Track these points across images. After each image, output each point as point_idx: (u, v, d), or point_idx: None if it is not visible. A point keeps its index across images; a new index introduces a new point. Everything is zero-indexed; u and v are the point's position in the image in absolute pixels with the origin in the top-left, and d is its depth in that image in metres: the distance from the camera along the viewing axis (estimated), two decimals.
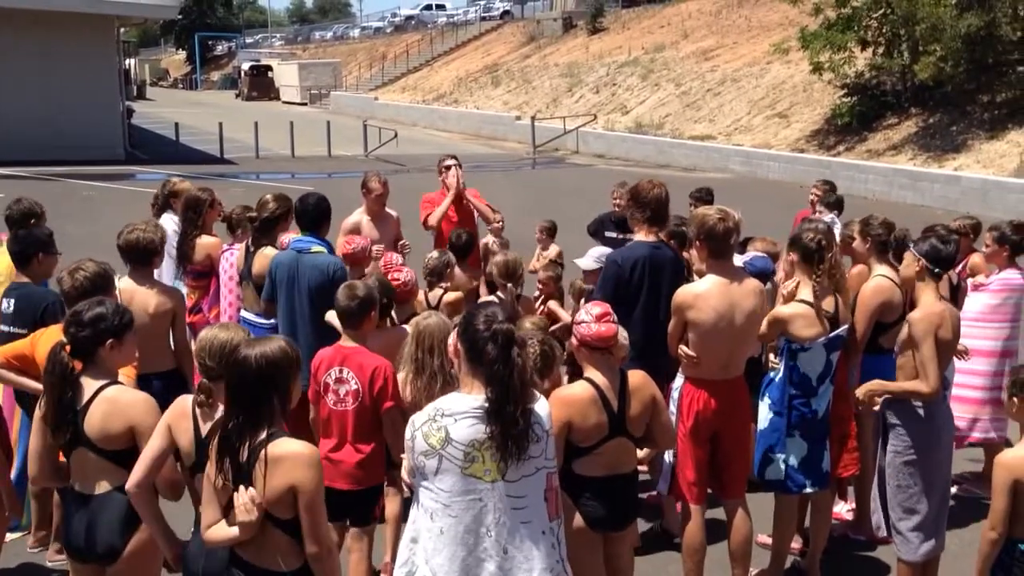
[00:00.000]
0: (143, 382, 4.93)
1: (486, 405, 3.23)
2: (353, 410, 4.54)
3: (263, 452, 3.11)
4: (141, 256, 5.25)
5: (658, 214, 5.33)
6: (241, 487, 3.12)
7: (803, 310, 4.92)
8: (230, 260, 6.63)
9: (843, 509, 5.94)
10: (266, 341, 3.28)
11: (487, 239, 8.55)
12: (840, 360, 5.08)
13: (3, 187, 20.21)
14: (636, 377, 4.16)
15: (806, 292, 4.97)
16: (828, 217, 8.08)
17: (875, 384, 4.79)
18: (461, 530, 3.24)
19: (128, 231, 5.27)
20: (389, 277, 5.95)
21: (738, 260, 5.70)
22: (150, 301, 5.18)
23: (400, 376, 4.66)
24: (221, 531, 3.24)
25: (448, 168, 8.21)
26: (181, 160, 25.63)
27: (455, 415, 3.25)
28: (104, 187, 21.11)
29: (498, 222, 8.71)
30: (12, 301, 5.23)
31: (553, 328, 5.82)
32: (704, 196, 8.09)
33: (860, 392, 4.84)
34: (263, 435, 3.14)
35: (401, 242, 7.40)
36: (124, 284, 5.24)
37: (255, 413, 3.16)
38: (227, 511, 3.23)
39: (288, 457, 3.13)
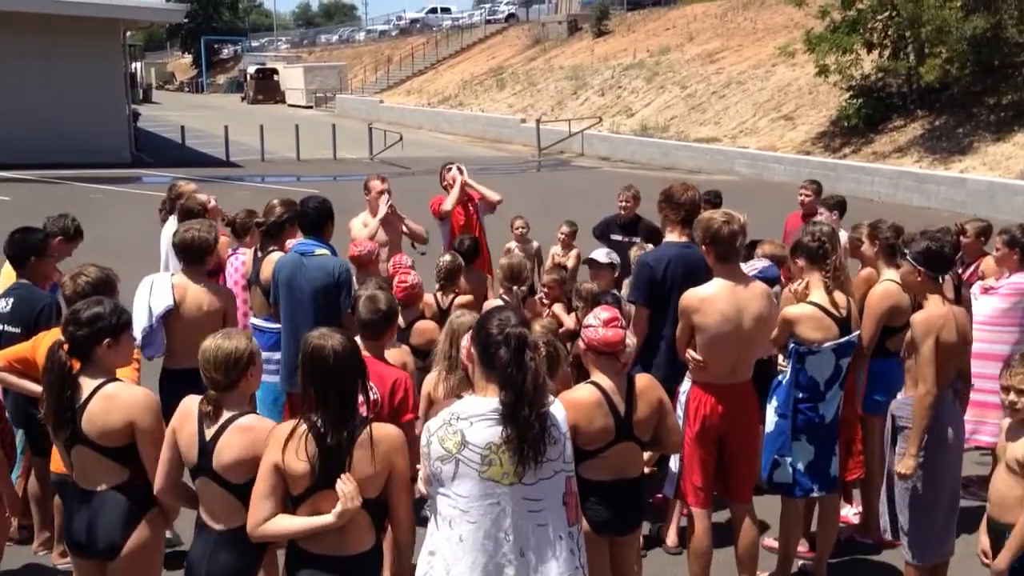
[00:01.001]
0: (193, 375, 4.96)
1: (501, 408, 3.21)
2: None
3: (365, 434, 3.28)
4: (194, 255, 5.38)
5: (692, 215, 5.38)
6: (344, 476, 3.24)
7: (811, 311, 4.91)
8: (235, 265, 6.63)
9: (849, 512, 5.91)
10: (332, 330, 3.42)
11: (510, 243, 8.59)
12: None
13: (9, 191, 20.27)
14: (643, 380, 4.15)
15: (817, 294, 4.96)
16: (825, 216, 8.08)
17: (911, 458, 4.59)
18: (481, 536, 3.21)
19: (184, 230, 5.46)
20: (396, 279, 5.94)
21: (747, 268, 5.69)
22: (203, 299, 5.32)
23: (431, 375, 4.65)
24: (293, 523, 3.30)
25: (449, 170, 8.33)
26: (187, 163, 25.68)
27: (470, 418, 3.23)
28: (110, 190, 21.15)
29: (520, 228, 8.77)
30: (10, 300, 5.27)
31: (560, 332, 5.81)
32: (712, 199, 8.06)
33: (903, 469, 4.62)
34: (358, 420, 3.31)
35: (419, 227, 7.47)
36: (178, 280, 5.41)
37: (349, 401, 3.32)
38: (296, 503, 3.31)
39: (386, 439, 3.33)
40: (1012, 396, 4.17)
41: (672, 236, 5.49)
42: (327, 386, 3.30)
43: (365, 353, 4.53)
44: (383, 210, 7.41)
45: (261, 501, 3.30)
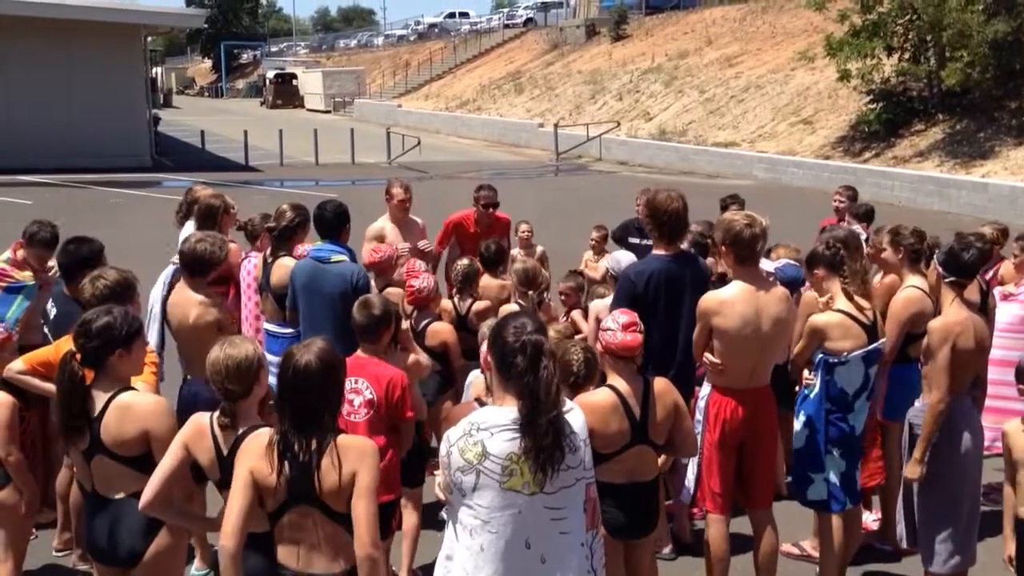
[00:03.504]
0: (194, 385, 5.07)
1: (520, 418, 3.18)
2: (366, 421, 4.48)
3: (330, 446, 3.22)
4: (198, 267, 5.22)
5: (675, 228, 5.20)
6: None
7: (839, 319, 4.87)
8: (248, 268, 6.64)
9: (868, 518, 5.87)
10: (315, 345, 3.36)
11: (514, 250, 8.54)
12: None
13: (31, 195, 20.45)
14: (660, 384, 4.15)
15: (841, 301, 4.92)
16: (856, 227, 7.96)
17: (916, 463, 4.59)
18: (502, 546, 3.17)
19: (195, 240, 5.30)
20: (406, 284, 5.95)
21: (770, 266, 5.64)
22: (191, 311, 5.10)
23: (480, 378, 4.65)
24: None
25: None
26: (207, 168, 25.83)
27: (491, 428, 3.18)
28: (131, 194, 21.32)
29: (525, 232, 8.71)
30: (55, 311, 5.26)
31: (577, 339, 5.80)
32: (734, 201, 8.05)
33: (909, 474, 4.64)
34: (328, 436, 3.25)
35: (423, 242, 7.40)
36: (173, 296, 5.30)
37: (319, 416, 3.26)
38: (273, 520, 3.27)
39: (350, 448, 3.25)
40: None
41: (657, 249, 5.27)
42: (289, 396, 3.27)
43: (362, 355, 4.57)
44: (401, 247, 7.19)
45: (237, 519, 3.22)
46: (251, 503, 3.24)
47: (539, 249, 8.78)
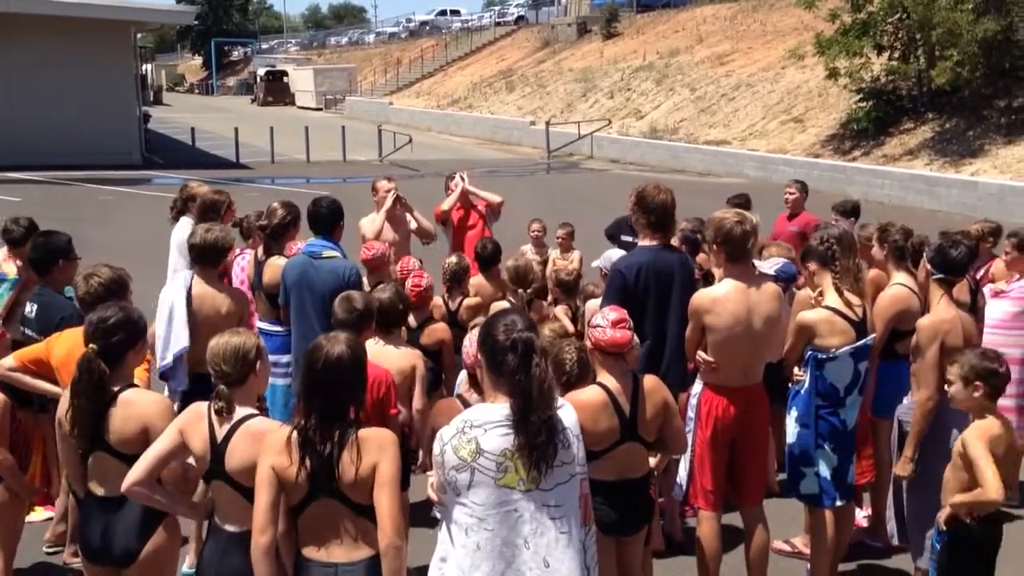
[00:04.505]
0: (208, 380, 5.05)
1: (512, 414, 3.19)
2: None
3: (351, 438, 3.25)
4: (212, 256, 5.32)
5: (662, 220, 5.19)
6: None
7: (826, 315, 4.88)
8: (242, 265, 6.65)
9: (859, 515, 5.89)
10: (342, 336, 3.43)
11: (525, 246, 8.60)
12: None
13: (20, 192, 20.36)
14: (649, 381, 4.15)
15: (831, 297, 4.94)
16: (844, 225, 8.01)
17: (907, 460, 4.67)
18: (498, 543, 3.18)
19: (204, 230, 5.39)
20: (410, 281, 5.96)
21: (767, 266, 5.65)
22: (221, 302, 5.25)
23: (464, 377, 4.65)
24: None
25: (452, 177, 8.41)
26: (197, 165, 25.78)
27: (484, 425, 3.19)
28: (121, 192, 21.26)
29: (537, 231, 8.79)
30: (35, 307, 5.25)
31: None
32: (742, 203, 8.08)
33: (900, 470, 4.71)
34: (350, 428, 3.29)
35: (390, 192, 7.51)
36: (195, 289, 5.30)
37: (346, 408, 3.31)
38: (296, 514, 3.31)
39: (370, 439, 3.29)
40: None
41: (644, 241, 5.28)
42: (319, 388, 3.31)
43: None
44: (389, 201, 7.44)
45: (267, 512, 3.27)
46: (276, 498, 3.28)
47: (549, 250, 8.82)
